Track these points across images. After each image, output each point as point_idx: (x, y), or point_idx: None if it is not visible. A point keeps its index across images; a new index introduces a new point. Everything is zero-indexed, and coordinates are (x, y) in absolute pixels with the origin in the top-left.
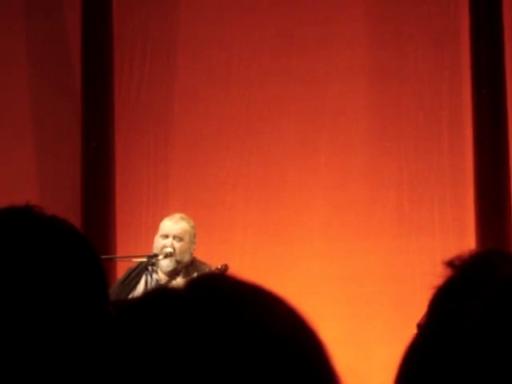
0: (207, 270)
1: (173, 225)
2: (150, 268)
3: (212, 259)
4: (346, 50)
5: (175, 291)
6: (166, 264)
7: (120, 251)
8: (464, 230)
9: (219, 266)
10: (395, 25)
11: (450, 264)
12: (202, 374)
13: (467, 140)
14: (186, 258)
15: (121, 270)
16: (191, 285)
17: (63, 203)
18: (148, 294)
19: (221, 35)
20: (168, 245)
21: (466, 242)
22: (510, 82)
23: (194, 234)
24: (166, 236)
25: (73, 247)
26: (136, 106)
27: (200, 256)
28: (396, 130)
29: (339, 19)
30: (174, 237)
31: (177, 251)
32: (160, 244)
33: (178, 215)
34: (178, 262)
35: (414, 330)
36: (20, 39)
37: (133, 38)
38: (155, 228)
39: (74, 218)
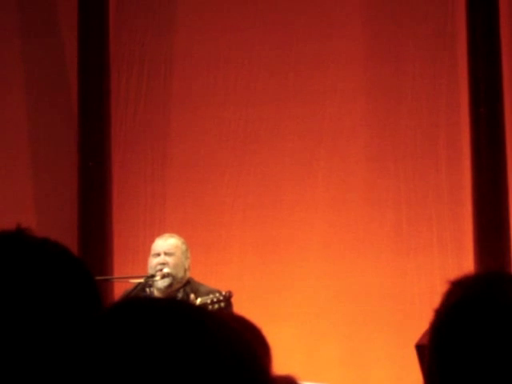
0: (204, 290)
1: (162, 242)
2: (147, 290)
3: (210, 279)
4: (344, 68)
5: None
6: (161, 282)
7: (117, 272)
8: (462, 248)
9: (223, 293)
10: (392, 42)
11: (452, 285)
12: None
13: (465, 158)
14: (181, 273)
15: (118, 291)
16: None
17: (60, 224)
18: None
19: (217, 55)
20: (160, 261)
21: (465, 259)
22: (507, 99)
23: (186, 249)
24: (158, 254)
25: (65, 270)
26: (133, 125)
27: (197, 276)
28: (394, 148)
29: (336, 37)
30: (165, 253)
31: (170, 265)
32: (153, 263)
33: (167, 234)
34: (172, 276)
35: (412, 350)
36: (16, 60)
37: (129, 58)
38: None
39: (71, 239)
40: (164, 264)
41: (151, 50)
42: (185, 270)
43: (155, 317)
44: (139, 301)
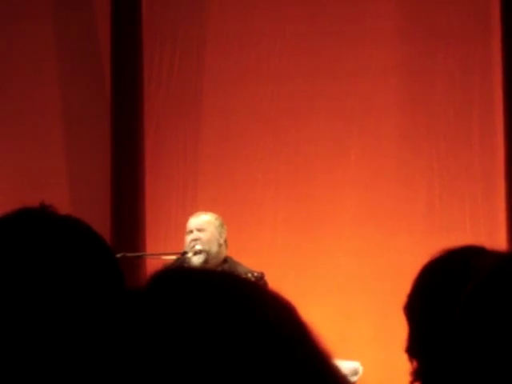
0: (242, 270)
1: (195, 219)
2: (185, 266)
3: (241, 256)
4: (377, 46)
5: (137, 289)
6: (196, 259)
7: (149, 249)
8: (495, 226)
9: (255, 274)
10: (425, 21)
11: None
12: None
13: (498, 136)
14: (215, 248)
15: (150, 268)
16: (154, 281)
17: (93, 200)
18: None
19: (250, 32)
20: (193, 238)
21: (497, 237)
22: None
23: (220, 225)
24: (191, 231)
25: (86, 247)
26: (166, 102)
27: (229, 252)
28: (426, 127)
29: (369, 16)
30: (197, 229)
31: (202, 241)
32: (187, 241)
33: (200, 212)
34: (206, 252)
35: None
36: (49, 36)
37: (162, 34)
38: (184, 225)
39: (104, 216)
40: (197, 240)
41: (184, 27)
42: (219, 245)
43: (202, 290)
44: (186, 272)
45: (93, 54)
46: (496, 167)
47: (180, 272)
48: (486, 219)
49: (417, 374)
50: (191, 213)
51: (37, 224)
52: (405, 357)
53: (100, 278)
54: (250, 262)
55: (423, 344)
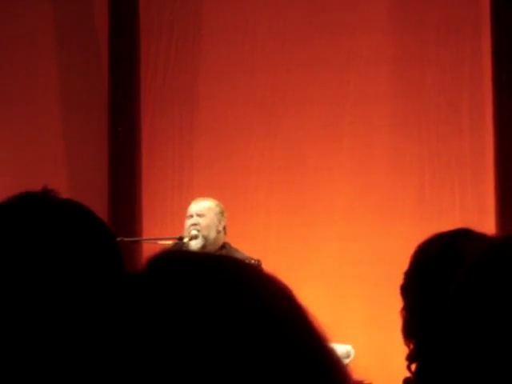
0: (239, 256)
1: (195, 205)
2: (183, 249)
3: (235, 241)
4: (369, 35)
5: (136, 273)
6: (194, 243)
7: (146, 233)
8: (484, 213)
9: (252, 261)
10: (417, 10)
11: (418, 247)
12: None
13: (488, 124)
14: (213, 234)
15: (147, 253)
16: (152, 264)
17: (90, 186)
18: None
19: (245, 20)
20: (192, 222)
21: (487, 224)
22: None
23: (220, 212)
24: (191, 216)
25: (86, 231)
26: (162, 89)
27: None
28: (417, 114)
29: (362, 5)
30: (197, 215)
31: (201, 226)
32: (187, 225)
33: (201, 197)
34: (204, 237)
35: None
36: (48, 23)
37: (159, 22)
38: (180, 210)
39: (101, 201)
40: (196, 225)
41: (180, 16)
42: (218, 232)
43: (200, 273)
44: (184, 255)
45: (90, 41)
46: (486, 154)
47: (177, 254)
48: (475, 205)
49: (413, 357)
50: (187, 198)
51: (39, 208)
52: (395, 340)
53: (101, 262)
54: (244, 246)
55: (419, 325)
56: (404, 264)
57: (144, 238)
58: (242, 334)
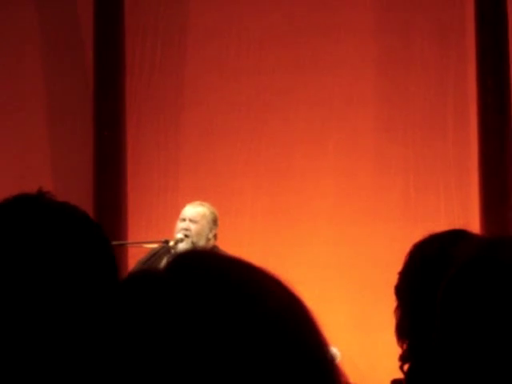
0: None
1: (190, 209)
2: (172, 251)
3: (221, 244)
4: (354, 38)
5: (155, 273)
6: (182, 247)
7: (131, 237)
8: (469, 216)
9: None
10: (402, 13)
11: (413, 247)
12: (184, 355)
13: (472, 127)
14: (202, 242)
15: (132, 256)
16: (173, 265)
17: (76, 190)
18: (130, 277)
19: (230, 24)
20: (184, 227)
21: (472, 226)
22: None
23: (213, 220)
24: (184, 219)
25: (83, 233)
26: (147, 92)
27: None
28: (402, 117)
29: (347, 7)
30: (190, 220)
31: (192, 233)
32: (178, 227)
33: (198, 202)
34: (193, 243)
35: None
36: (32, 28)
37: (144, 27)
38: (166, 214)
39: (86, 205)
40: (187, 230)
41: (165, 20)
42: (207, 240)
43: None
44: (200, 256)
45: (76, 45)
46: (470, 157)
47: (199, 256)
48: (460, 208)
49: (406, 357)
50: (172, 201)
51: (34, 210)
52: (381, 343)
53: (95, 265)
54: (229, 250)
55: (413, 325)
56: (389, 266)
57: (129, 241)
58: (252, 336)
